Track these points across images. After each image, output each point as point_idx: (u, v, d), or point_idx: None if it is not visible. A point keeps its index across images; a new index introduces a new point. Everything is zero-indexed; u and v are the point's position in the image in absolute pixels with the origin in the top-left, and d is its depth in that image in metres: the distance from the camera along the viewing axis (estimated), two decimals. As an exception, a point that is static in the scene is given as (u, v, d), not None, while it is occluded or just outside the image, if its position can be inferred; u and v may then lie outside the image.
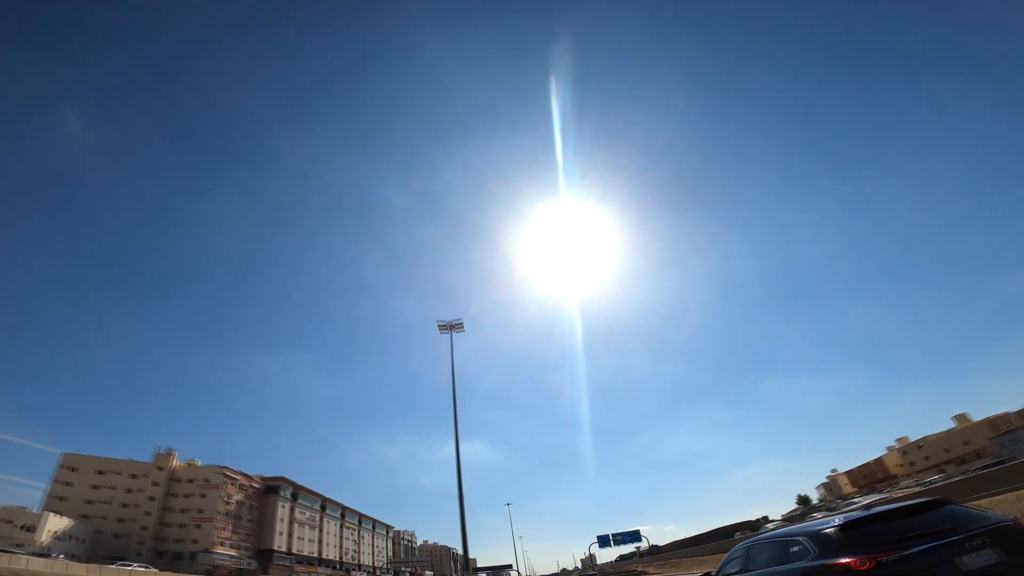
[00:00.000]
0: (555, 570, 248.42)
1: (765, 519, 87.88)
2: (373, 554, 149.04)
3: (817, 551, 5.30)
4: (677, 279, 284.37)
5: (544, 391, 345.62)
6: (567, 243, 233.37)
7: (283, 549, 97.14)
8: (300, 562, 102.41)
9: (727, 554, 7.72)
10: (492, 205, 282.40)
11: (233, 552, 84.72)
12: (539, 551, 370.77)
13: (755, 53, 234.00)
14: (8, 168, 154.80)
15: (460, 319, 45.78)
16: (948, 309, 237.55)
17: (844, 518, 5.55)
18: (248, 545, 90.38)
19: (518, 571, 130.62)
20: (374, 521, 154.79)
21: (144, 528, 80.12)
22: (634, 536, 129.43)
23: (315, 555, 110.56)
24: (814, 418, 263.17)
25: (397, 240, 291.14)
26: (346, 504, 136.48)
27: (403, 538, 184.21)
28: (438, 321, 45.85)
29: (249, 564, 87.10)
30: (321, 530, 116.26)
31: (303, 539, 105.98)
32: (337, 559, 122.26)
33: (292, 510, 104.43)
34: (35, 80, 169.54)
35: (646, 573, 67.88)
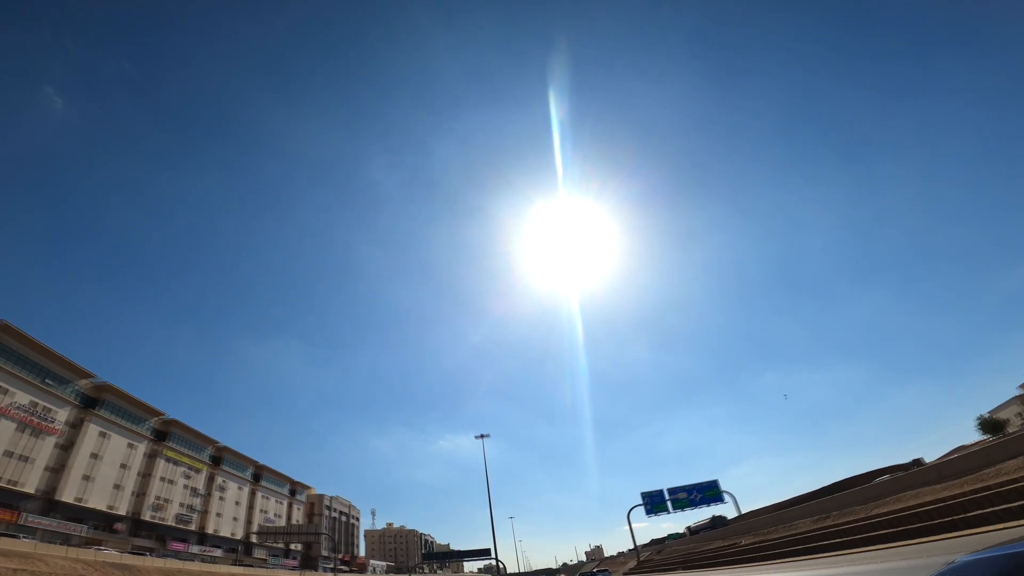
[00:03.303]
0: (553, 567, 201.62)
1: (918, 462, 56.05)
2: (250, 520, 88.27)
3: None
4: (677, 267, 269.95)
5: (542, 384, 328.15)
6: (565, 229, 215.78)
7: None
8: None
9: None
10: (487, 188, 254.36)
11: None
12: (538, 548, 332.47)
13: (759, 34, 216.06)
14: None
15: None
16: (952, 303, 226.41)
17: None
18: None
19: (497, 559, 70.30)
20: (257, 466, 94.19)
21: None
22: (708, 493, 66.59)
23: (43, 491, 50.14)
24: (814, 414, 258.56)
25: (389, 222, 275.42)
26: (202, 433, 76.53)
27: (332, 509, 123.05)
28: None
29: None
30: (75, 449, 55.91)
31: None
32: (127, 512, 61.89)
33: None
34: (14, 59, 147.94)
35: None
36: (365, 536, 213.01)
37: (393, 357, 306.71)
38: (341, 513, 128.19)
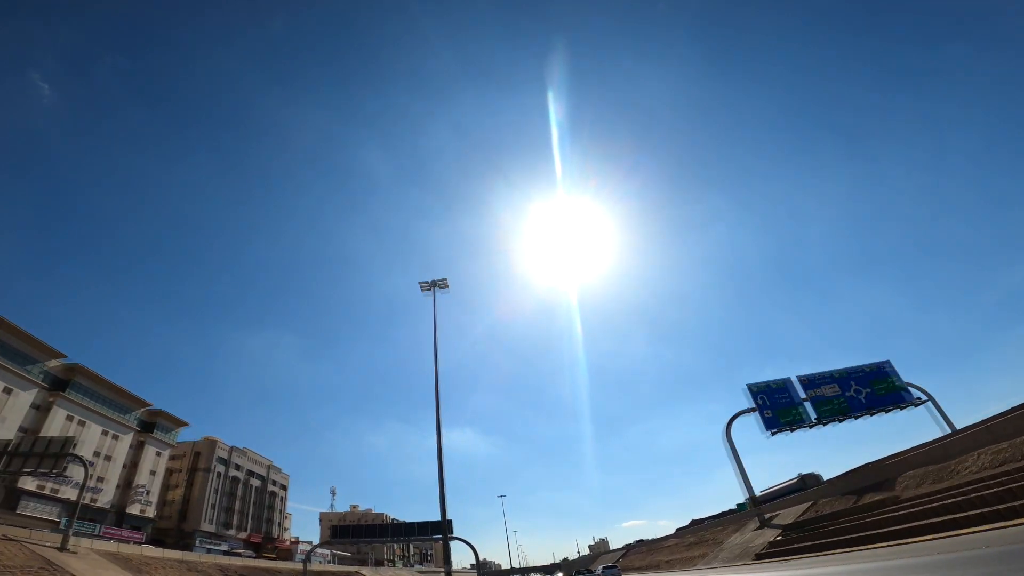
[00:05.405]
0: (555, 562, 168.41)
1: None
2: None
3: None
4: (676, 261, 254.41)
5: (541, 380, 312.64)
6: (563, 222, 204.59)
7: None
8: None
9: None
10: (484, 181, 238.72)
11: None
12: (537, 545, 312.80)
13: (760, 25, 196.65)
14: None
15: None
16: (953, 298, 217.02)
17: None
18: None
19: (446, 535, 31.66)
20: (67, 368, 55.89)
21: None
22: (878, 386, 19.76)
23: None
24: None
25: (385, 213, 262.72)
26: None
27: (233, 465, 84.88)
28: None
29: None
30: None
31: None
32: None
33: None
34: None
35: None
36: (321, 520, 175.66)
37: (388, 351, 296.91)
38: (251, 474, 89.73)
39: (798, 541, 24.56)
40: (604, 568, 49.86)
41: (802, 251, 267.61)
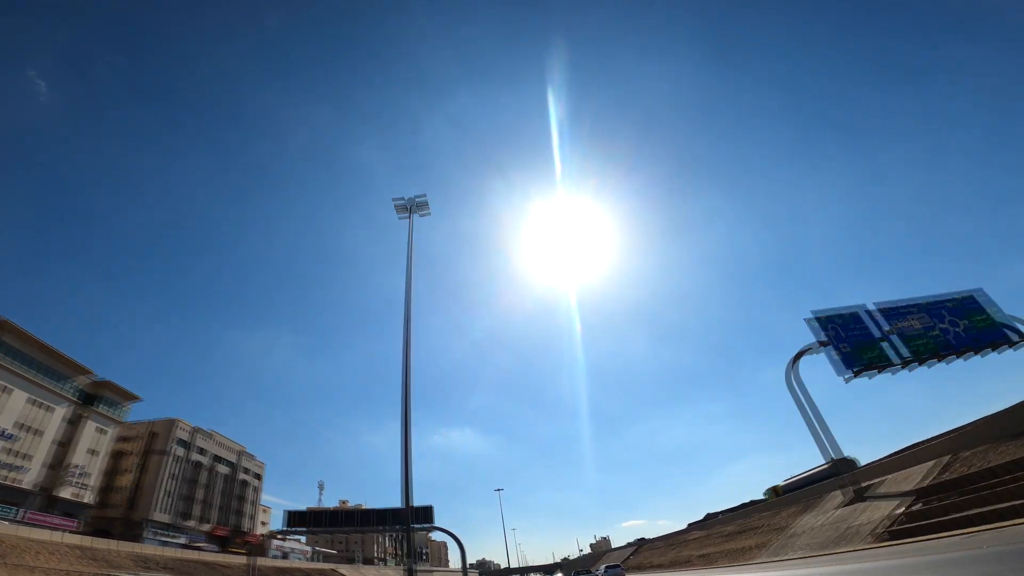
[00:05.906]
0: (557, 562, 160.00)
1: None
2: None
3: None
4: (676, 260, 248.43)
5: (540, 380, 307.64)
6: (562, 220, 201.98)
7: None
8: None
9: None
10: (481, 174, 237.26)
11: None
12: (534, 545, 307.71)
13: (761, 22, 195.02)
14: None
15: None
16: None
17: None
18: None
19: (410, 521, 21.83)
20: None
21: None
22: (977, 319, 9.00)
23: None
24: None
25: (381, 207, 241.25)
26: None
27: (196, 448, 75.53)
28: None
29: None
30: None
31: None
32: None
33: None
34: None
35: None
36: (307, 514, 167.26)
37: (388, 350, 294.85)
38: (218, 460, 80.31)
39: (963, 508, 15.83)
40: (607, 568, 44.45)
41: (802, 250, 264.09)
